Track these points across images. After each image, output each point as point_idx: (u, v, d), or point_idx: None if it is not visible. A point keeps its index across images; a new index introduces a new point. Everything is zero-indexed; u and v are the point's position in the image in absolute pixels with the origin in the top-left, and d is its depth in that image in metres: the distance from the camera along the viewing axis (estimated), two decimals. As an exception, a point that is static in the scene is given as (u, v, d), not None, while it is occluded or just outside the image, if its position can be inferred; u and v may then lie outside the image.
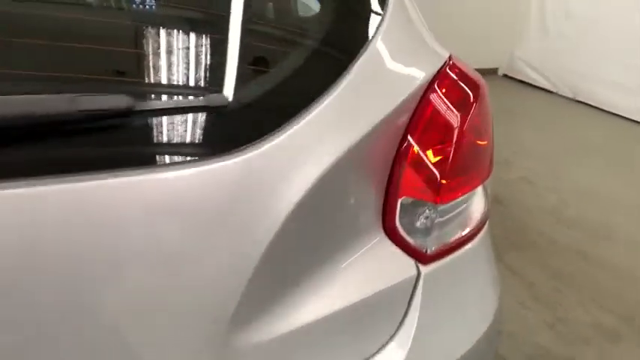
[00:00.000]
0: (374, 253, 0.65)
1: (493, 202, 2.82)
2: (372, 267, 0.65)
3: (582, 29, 4.99)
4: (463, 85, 0.71)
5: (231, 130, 0.54)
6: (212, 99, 0.52)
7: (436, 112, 0.67)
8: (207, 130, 0.53)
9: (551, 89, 5.40)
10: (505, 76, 5.80)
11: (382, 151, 0.65)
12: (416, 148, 0.66)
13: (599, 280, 2.19)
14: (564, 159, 3.60)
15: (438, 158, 0.66)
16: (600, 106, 4.98)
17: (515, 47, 5.64)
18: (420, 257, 0.69)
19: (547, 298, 2.02)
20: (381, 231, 0.68)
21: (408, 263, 0.68)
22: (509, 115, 4.44)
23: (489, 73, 5.63)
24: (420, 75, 0.67)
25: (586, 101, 5.10)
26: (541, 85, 5.47)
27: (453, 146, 0.66)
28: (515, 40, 5.61)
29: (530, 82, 5.55)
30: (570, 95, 5.25)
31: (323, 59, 0.66)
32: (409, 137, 0.66)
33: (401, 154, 0.66)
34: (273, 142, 0.52)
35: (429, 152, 0.66)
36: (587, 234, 2.56)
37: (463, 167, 0.69)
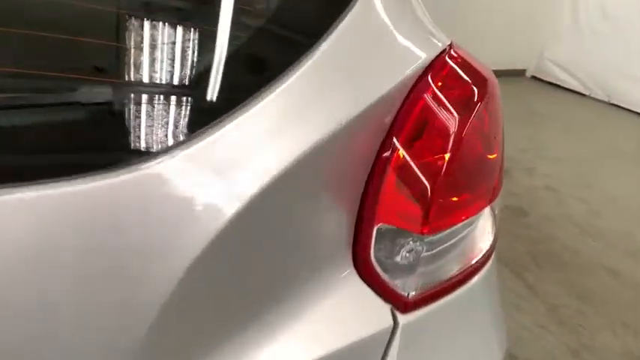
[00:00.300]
0: (338, 295, 0.50)
1: (514, 212, 2.63)
2: (334, 314, 0.50)
3: (620, 28, 4.71)
4: (466, 79, 0.57)
5: (120, 136, 0.40)
6: (90, 93, 0.38)
7: (428, 111, 0.52)
8: (80, 136, 0.40)
9: (584, 92, 5.12)
10: (533, 77, 5.54)
11: (354, 160, 0.51)
12: (401, 152, 0.52)
13: (631, 301, 1.99)
14: (595, 166, 3.36)
15: (427, 173, 0.51)
16: (637, 110, 4.69)
17: (545, 47, 5.38)
18: (399, 302, 0.53)
19: (571, 321, 1.84)
20: (351, 264, 0.53)
21: (382, 310, 0.52)
22: (537, 119, 4.21)
23: (517, 74, 5.41)
24: (410, 62, 0.53)
25: (621, 104, 4.83)
26: (572, 88, 5.20)
27: (447, 158, 0.51)
28: (545, 39, 5.36)
29: (561, 84, 5.29)
30: (604, 98, 4.97)
31: (270, 38, 0.51)
32: (394, 140, 0.52)
33: (380, 163, 0.52)
34: (187, 151, 0.39)
35: (417, 165, 0.52)
36: (617, 249, 2.35)
37: (461, 186, 0.54)
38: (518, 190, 2.82)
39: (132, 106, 0.42)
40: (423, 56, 0.54)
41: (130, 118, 0.41)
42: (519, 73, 5.48)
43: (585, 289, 2.02)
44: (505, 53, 5.08)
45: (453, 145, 0.52)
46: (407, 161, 0.52)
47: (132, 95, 0.43)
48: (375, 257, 0.53)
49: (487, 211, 0.64)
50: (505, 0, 4.83)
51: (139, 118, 0.41)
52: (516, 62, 5.35)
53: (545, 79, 5.43)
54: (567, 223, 2.54)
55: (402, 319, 0.52)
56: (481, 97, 0.55)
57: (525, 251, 2.23)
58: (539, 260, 2.18)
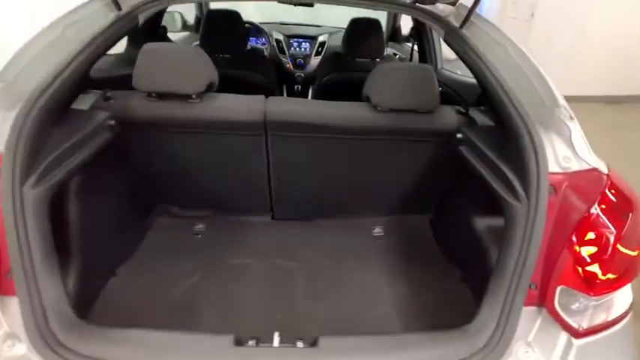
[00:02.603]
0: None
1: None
2: None
3: None
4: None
5: None
6: None
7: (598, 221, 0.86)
8: None
9: None
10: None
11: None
12: (577, 248, 0.87)
13: None
14: None
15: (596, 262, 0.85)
16: None
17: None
18: (573, 332, 0.88)
19: None
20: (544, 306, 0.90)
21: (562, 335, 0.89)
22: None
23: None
24: None
25: None
26: None
27: (609, 253, 0.85)
28: None
29: None
30: None
31: None
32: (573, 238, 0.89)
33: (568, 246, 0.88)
34: None
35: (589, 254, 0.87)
36: None
37: (618, 269, 0.88)
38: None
39: None
40: None
41: None
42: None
43: None
44: (635, 77, 4.67)
45: (613, 247, 0.86)
46: (580, 251, 0.87)
47: None
48: (559, 303, 0.89)
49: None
50: (631, 16, 4.48)
51: None
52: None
53: None
54: None
55: (576, 342, 0.88)
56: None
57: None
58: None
